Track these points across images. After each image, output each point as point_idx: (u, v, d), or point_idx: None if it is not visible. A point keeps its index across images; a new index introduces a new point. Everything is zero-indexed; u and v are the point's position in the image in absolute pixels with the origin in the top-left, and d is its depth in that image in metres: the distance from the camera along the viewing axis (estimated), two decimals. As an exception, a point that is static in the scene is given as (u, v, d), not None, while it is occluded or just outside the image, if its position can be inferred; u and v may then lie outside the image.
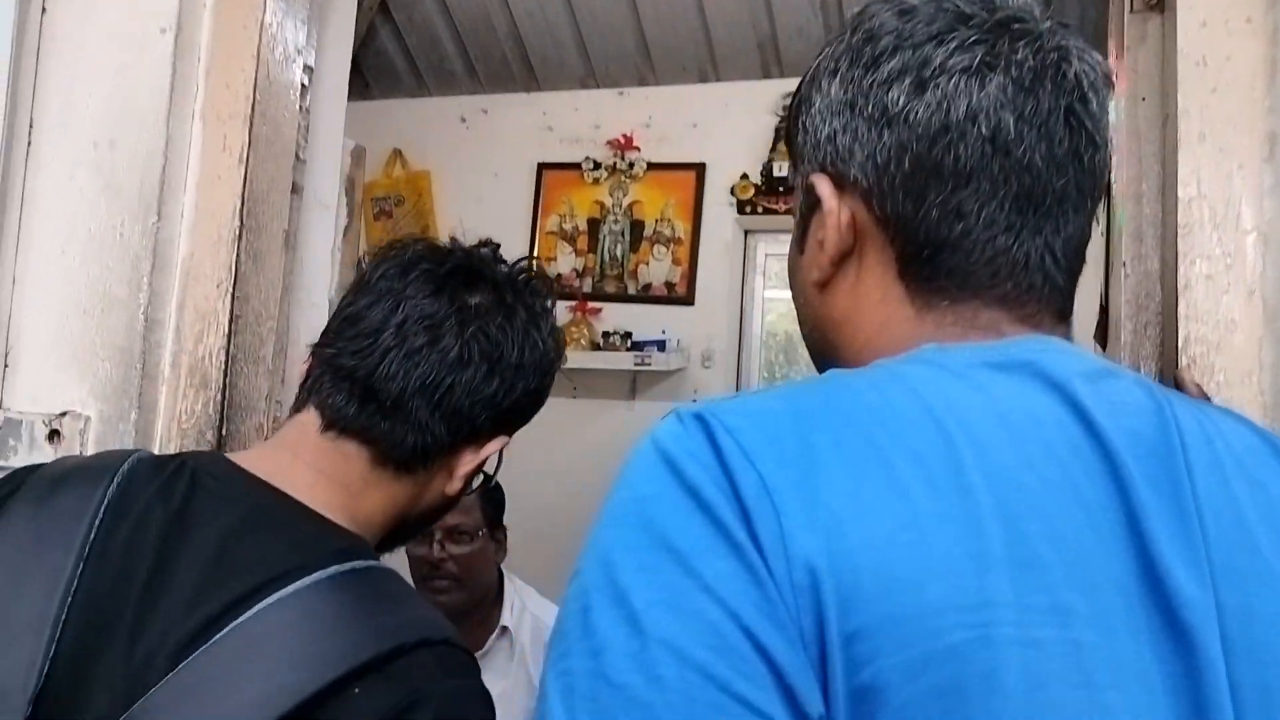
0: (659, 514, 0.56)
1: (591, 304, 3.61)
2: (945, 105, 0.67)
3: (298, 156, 1.36)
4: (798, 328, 0.85)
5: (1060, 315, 0.71)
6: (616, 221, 3.67)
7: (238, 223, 1.25)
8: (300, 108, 1.36)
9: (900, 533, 0.54)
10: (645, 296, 3.62)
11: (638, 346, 3.48)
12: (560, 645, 0.57)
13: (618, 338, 3.52)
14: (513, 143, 3.85)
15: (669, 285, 3.61)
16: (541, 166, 3.79)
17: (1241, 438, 0.67)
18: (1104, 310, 1.16)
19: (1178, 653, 0.56)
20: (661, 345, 3.48)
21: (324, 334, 1.05)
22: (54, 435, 1.25)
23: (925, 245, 0.69)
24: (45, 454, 1.22)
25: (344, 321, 1.04)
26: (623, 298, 3.62)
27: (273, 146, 1.30)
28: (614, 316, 3.60)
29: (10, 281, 1.29)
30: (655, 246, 3.63)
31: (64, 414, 1.25)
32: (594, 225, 3.69)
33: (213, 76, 1.28)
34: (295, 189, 1.35)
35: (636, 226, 3.67)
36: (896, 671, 0.51)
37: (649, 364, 3.40)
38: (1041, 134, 0.67)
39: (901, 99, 0.69)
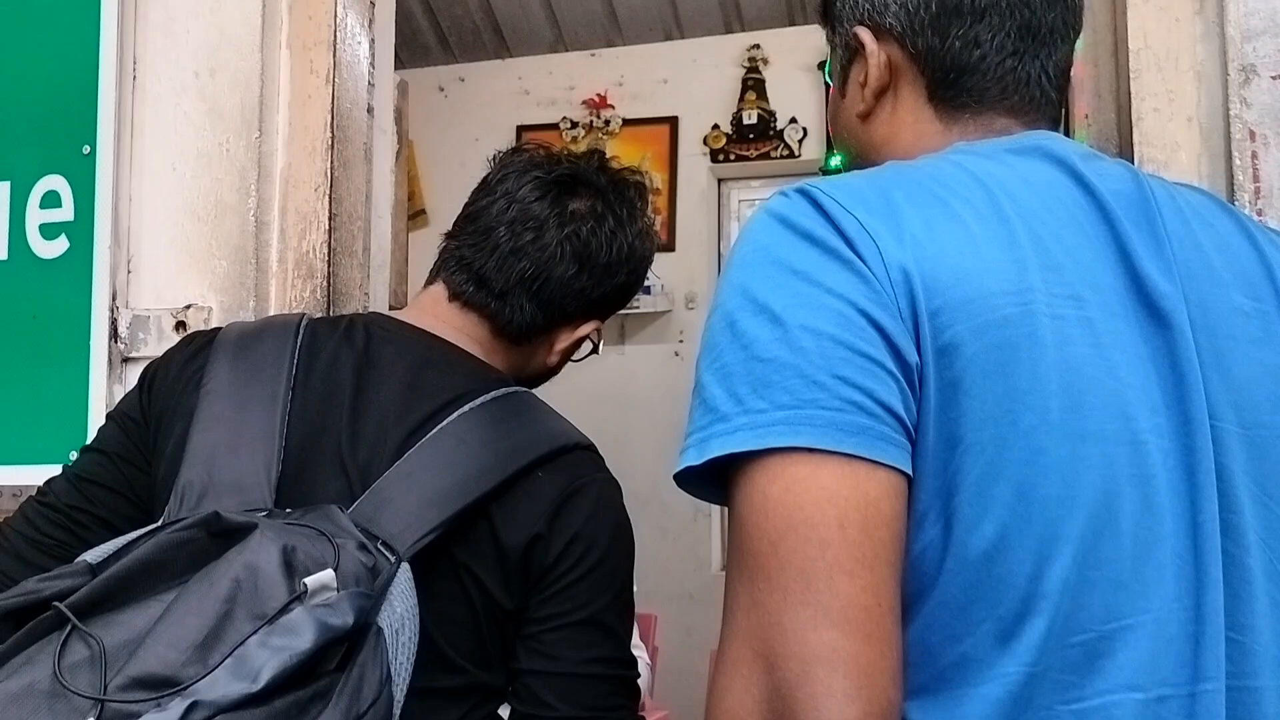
0: (781, 252, 0.75)
1: (577, 255, 3.81)
2: None
3: (369, 81, 1.55)
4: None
5: (1054, 122, 0.94)
6: (596, 176, 3.87)
7: (329, 135, 1.45)
8: (369, 38, 1.55)
9: (962, 246, 0.75)
10: (627, 246, 3.82)
11: (624, 292, 3.69)
12: (710, 353, 0.75)
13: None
14: (491, 108, 4.04)
15: (649, 233, 3.82)
16: (520, 129, 3.98)
17: (1197, 197, 0.90)
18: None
19: (1159, 331, 0.77)
20: (647, 290, 3.69)
21: (454, 225, 1.25)
22: (180, 326, 1.44)
23: (951, 70, 0.91)
24: (174, 342, 1.41)
25: (467, 218, 1.24)
26: (607, 248, 3.82)
27: (353, 70, 1.50)
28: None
29: (128, 199, 1.48)
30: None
31: (188, 307, 1.44)
32: (575, 181, 3.89)
33: (296, 9, 1.47)
34: (369, 110, 1.55)
35: (615, 180, 3.87)
36: (968, 334, 0.71)
37: (637, 306, 3.62)
38: None
39: None
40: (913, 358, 0.72)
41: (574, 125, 3.92)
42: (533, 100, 4.01)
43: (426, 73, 4.18)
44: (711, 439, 0.72)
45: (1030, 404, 0.72)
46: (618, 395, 3.70)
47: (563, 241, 1.20)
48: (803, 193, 0.78)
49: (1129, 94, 1.18)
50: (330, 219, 1.45)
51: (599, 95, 3.90)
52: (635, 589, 2.64)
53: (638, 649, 2.42)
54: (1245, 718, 0.74)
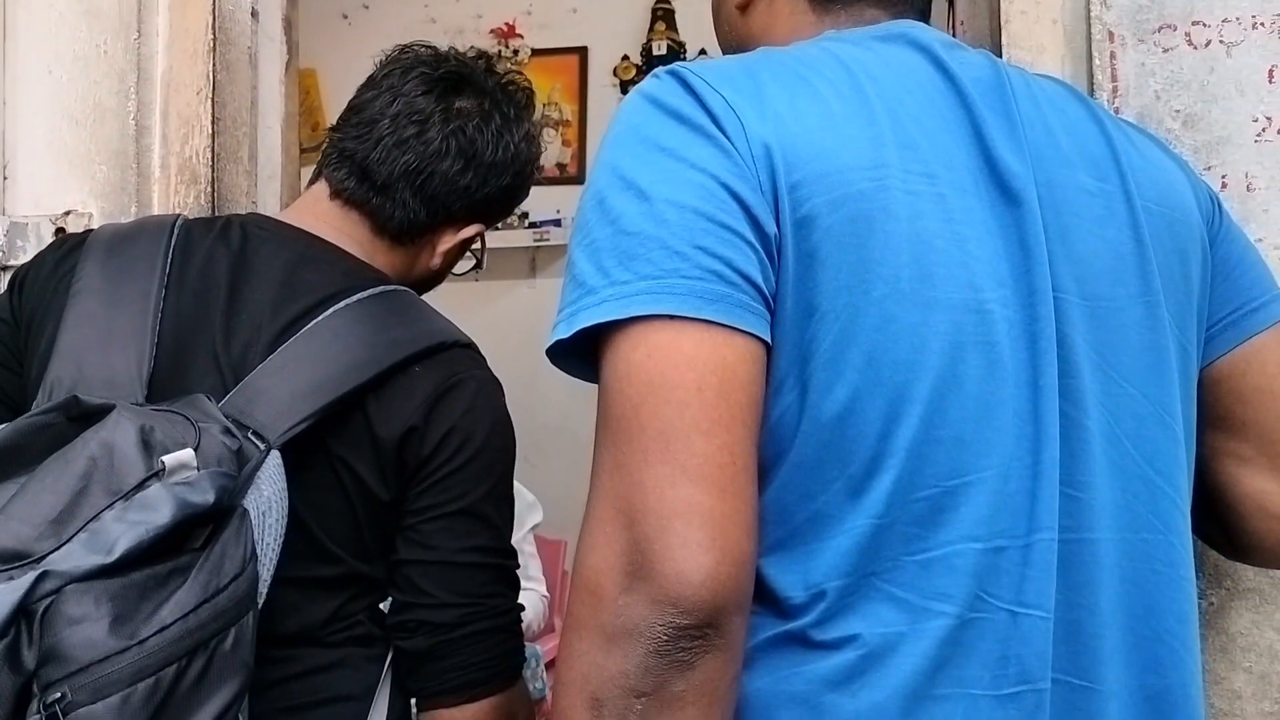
0: (649, 130, 0.77)
1: (487, 187, 3.78)
2: None
3: (253, -17, 1.52)
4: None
5: (921, 15, 0.97)
6: (505, 107, 3.84)
7: (210, 37, 1.42)
8: (251, -61, 1.52)
9: (822, 122, 0.78)
10: (538, 179, 3.80)
11: (535, 225, 3.68)
12: (581, 231, 0.78)
13: (515, 218, 3.71)
14: (397, 37, 3.88)
15: (560, 166, 3.81)
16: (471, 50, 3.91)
17: (1052, 85, 0.95)
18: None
19: (1009, 208, 0.81)
20: (558, 223, 3.69)
21: (338, 120, 1.24)
22: (59, 233, 1.41)
23: None
24: (53, 250, 1.38)
25: (350, 110, 1.24)
26: (517, 179, 3.80)
27: (234, -30, 1.47)
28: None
29: (1, 104, 1.44)
30: (544, 130, 3.82)
31: (68, 213, 1.41)
32: (484, 112, 3.85)
33: (175, -93, 1.44)
34: (254, 14, 1.52)
35: (525, 111, 3.84)
36: (824, 207, 0.75)
37: (548, 239, 3.61)
38: None
39: None
40: (771, 229, 0.75)
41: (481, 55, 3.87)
42: (439, 29, 3.93)
43: (330, 0, 4.07)
44: (579, 312, 0.75)
45: (882, 274, 0.75)
46: (530, 329, 3.67)
47: (448, 137, 1.20)
48: (673, 74, 0.81)
49: (999, -3, 1.22)
50: (213, 123, 1.43)
51: (507, 24, 3.85)
52: (543, 518, 2.66)
53: (534, 581, 2.45)
54: (1081, 566, 0.79)
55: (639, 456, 0.70)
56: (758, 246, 0.74)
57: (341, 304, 1.08)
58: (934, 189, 0.79)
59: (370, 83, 1.25)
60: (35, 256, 1.16)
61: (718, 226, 0.73)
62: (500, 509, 1.11)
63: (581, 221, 0.78)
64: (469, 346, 1.15)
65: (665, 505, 0.69)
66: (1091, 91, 1.17)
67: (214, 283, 1.10)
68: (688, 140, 0.76)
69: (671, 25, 3.71)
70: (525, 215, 3.70)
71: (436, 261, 1.29)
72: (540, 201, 3.73)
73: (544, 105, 3.82)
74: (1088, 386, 0.81)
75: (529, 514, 2.53)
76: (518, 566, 1.13)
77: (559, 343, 0.76)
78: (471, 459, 1.08)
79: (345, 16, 4.05)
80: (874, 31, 0.89)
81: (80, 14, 1.42)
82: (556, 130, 3.82)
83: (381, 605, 1.12)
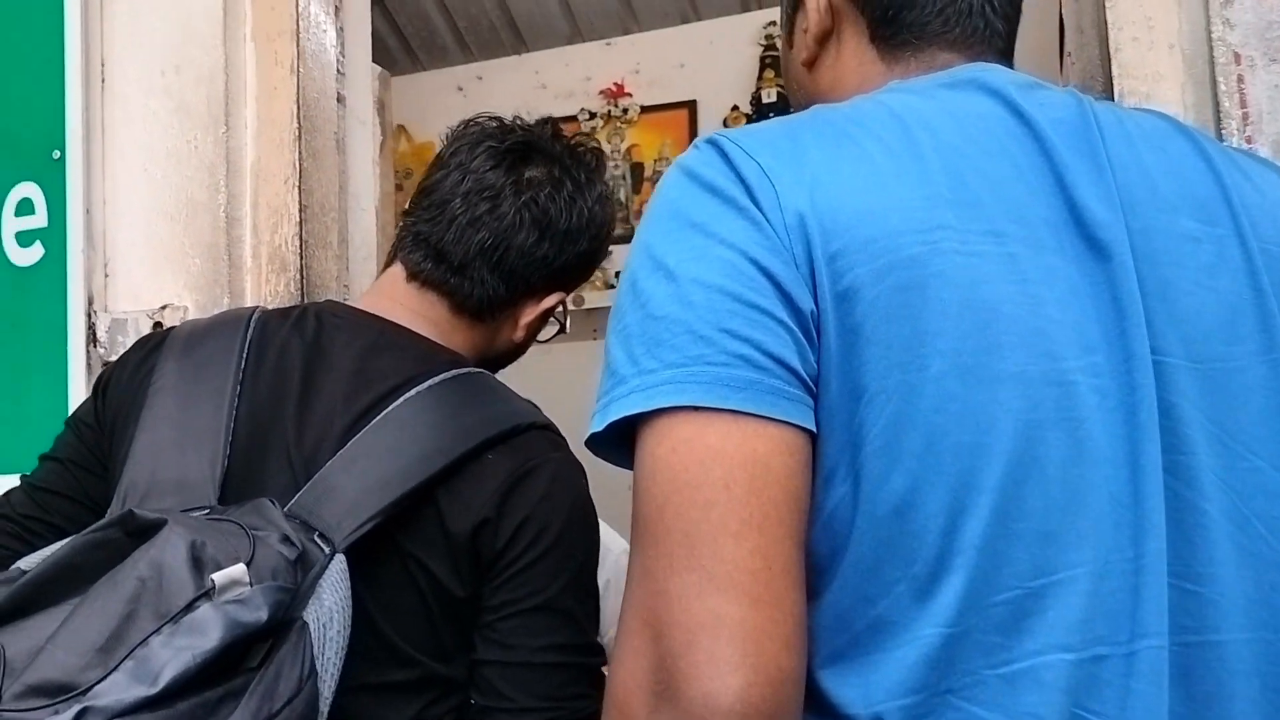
0: (682, 205, 0.72)
1: (602, 247, 3.78)
2: None
3: (339, 70, 1.53)
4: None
5: (1002, 54, 0.88)
6: (617, 166, 3.83)
7: (296, 126, 1.43)
8: (336, 27, 1.53)
9: (866, 183, 0.70)
10: (652, 234, 3.79)
11: (650, 281, 3.65)
12: (616, 316, 0.73)
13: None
14: (509, 104, 3.97)
15: (674, 221, 3.77)
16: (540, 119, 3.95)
17: (1150, 120, 0.84)
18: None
19: (1098, 263, 0.71)
20: (672, 277, 3.64)
21: (409, 203, 1.22)
22: (157, 326, 1.43)
23: (889, 7, 0.86)
24: (152, 344, 1.40)
25: (422, 193, 1.21)
26: (630, 238, 3.78)
27: (318, 59, 1.48)
28: (625, 257, 3.76)
29: (102, 203, 1.47)
30: (657, 185, 3.80)
31: (164, 307, 1.43)
32: (596, 172, 3.86)
33: (258, 1, 1.45)
34: (340, 99, 1.53)
35: (636, 169, 3.83)
36: (869, 277, 0.67)
37: (663, 295, 3.57)
38: None
39: None
40: (808, 305, 0.68)
41: (592, 116, 3.88)
42: (550, 94, 3.98)
43: (445, 74, 4.17)
44: (611, 403, 0.69)
45: (939, 347, 0.67)
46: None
47: (521, 209, 1.17)
48: (711, 142, 0.75)
49: (1106, 24, 1.11)
50: (301, 211, 1.43)
51: (616, 84, 3.86)
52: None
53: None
54: (1206, 675, 0.67)
55: (664, 562, 0.64)
56: (792, 325, 0.67)
57: (413, 391, 1.04)
58: (1002, 248, 0.70)
59: (439, 161, 1.22)
60: (119, 358, 1.16)
61: (745, 306, 0.67)
62: (582, 602, 1.04)
63: (617, 306, 0.73)
64: (546, 427, 1.09)
65: (691, 617, 0.62)
66: (1218, 120, 1.05)
67: (288, 374, 1.08)
68: (718, 214, 0.70)
69: (780, 73, 3.66)
70: (641, 272, 3.68)
71: (519, 334, 1.25)
72: (656, 258, 3.70)
73: (654, 161, 3.81)
74: (1204, 462, 0.70)
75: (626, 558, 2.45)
76: (604, 662, 1.06)
77: (595, 435, 0.70)
78: (548, 550, 1.02)
79: (460, 89, 4.14)
80: (941, 79, 0.81)
81: (171, 111, 1.45)
82: (669, 185, 3.79)
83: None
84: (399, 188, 4.15)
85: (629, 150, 3.85)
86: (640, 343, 0.68)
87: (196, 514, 0.95)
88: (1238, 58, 1.05)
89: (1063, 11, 1.27)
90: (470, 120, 1.26)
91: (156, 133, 1.45)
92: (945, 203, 0.70)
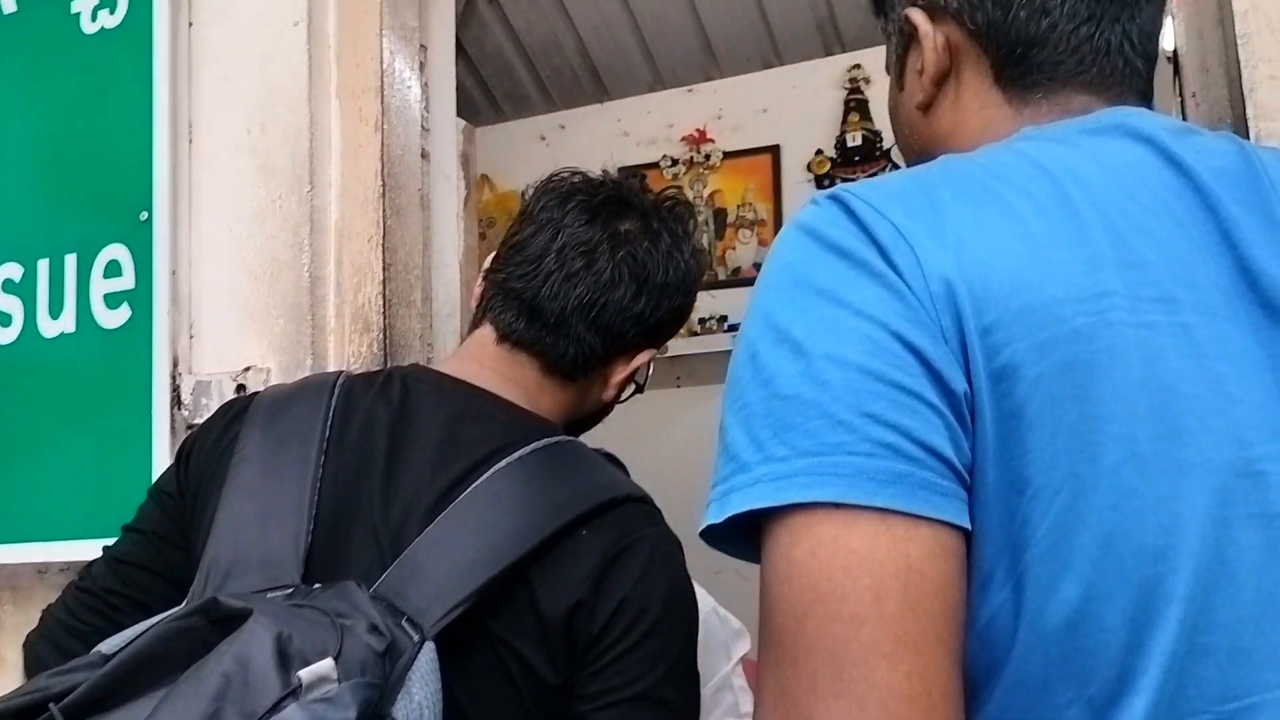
0: (806, 270, 0.65)
1: (685, 294, 3.74)
2: None
3: (423, 126, 1.51)
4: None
5: (1143, 96, 0.80)
6: (700, 212, 3.79)
7: (380, 183, 1.41)
8: (420, 83, 1.51)
9: (1019, 246, 0.62)
10: (736, 280, 3.73)
11: (735, 328, 3.59)
12: (733, 391, 0.65)
13: (714, 322, 3.63)
14: (592, 152, 4.00)
15: (758, 266, 3.71)
16: (622, 171, 3.94)
17: None
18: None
19: (1277, 332, 0.64)
20: (757, 325, 3.58)
21: (494, 259, 1.19)
22: (240, 389, 1.41)
23: (1017, 44, 0.78)
24: (235, 406, 1.38)
25: (511, 249, 1.17)
26: (714, 285, 3.72)
27: (403, 115, 1.45)
28: (708, 304, 3.71)
29: (188, 263, 1.46)
30: (740, 231, 3.75)
31: (247, 369, 1.41)
32: (679, 219, 3.82)
33: (344, 58, 1.44)
34: (424, 155, 1.50)
35: (719, 215, 3.78)
36: (1029, 353, 0.59)
37: (746, 343, 3.50)
38: None
39: None
40: (960, 385, 0.60)
41: (674, 163, 3.86)
42: (632, 141, 3.97)
43: (528, 123, 4.19)
44: (732, 493, 0.62)
45: (1113, 434, 0.59)
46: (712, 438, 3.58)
47: (619, 264, 1.12)
48: (834, 199, 0.67)
49: (1238, 63, 1.03)
50: (384, 269, 1.40)
51: (698, 130, 3.83)
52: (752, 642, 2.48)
53: (744, 692, 2.27)
54: None
55: (806, 684, 0.56)
56: (944, 409, 0.59)
57: (502, 463, 1.00)
58: (1174, 318, 0.62)
59: (527, 217, 1.18)
60: (202, 425, 1.14)
61: (890, 387, 0.59)
62: (683, 689, 0.98)
63: (733, 379, 0.66)
64: (641, 500, 1.04)
65: None
66: (1372, 165, 0.96)
67: (374, 444, 1.04)
68: (851, 280, 0.63)
69: (866, 115, 3.59)
70: (724, 318, 3.62)
71: (610, 394, 1.20)
72: (739, 303, 3.64)
73: (738, 206, 3.76)
74: None
75: (736, 643, 2.36)
76: None
77: (712, 527, 0.63)
78: (647, 635, 0.96)
79: (543, 138, 4.14)
80: (1082, 124, 0.73)
81: (256, 170, 1.44)
82: (752, 230, 3.74)
83: None
84: (482, 236, 4.16)
85: (712, 196, 3.80)
86: (765, 425, 0.61)
87: (280, 594, 0.91)
88: (1392, 96, 0.96)
89: (1177, 49, 1.19)
90: (554, 175, 1.22)
91: (242, 192, 1.44)
92: (1110, 265, 0.62)
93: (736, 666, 2.38)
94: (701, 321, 3.66)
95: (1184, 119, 1.19)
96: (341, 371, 1.15)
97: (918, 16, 0.83)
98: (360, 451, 1.04)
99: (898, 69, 0.89)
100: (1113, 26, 0.78)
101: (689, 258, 1.19)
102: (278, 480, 1.02)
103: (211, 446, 1.10)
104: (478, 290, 1.21)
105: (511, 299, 1.14)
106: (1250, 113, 1.01)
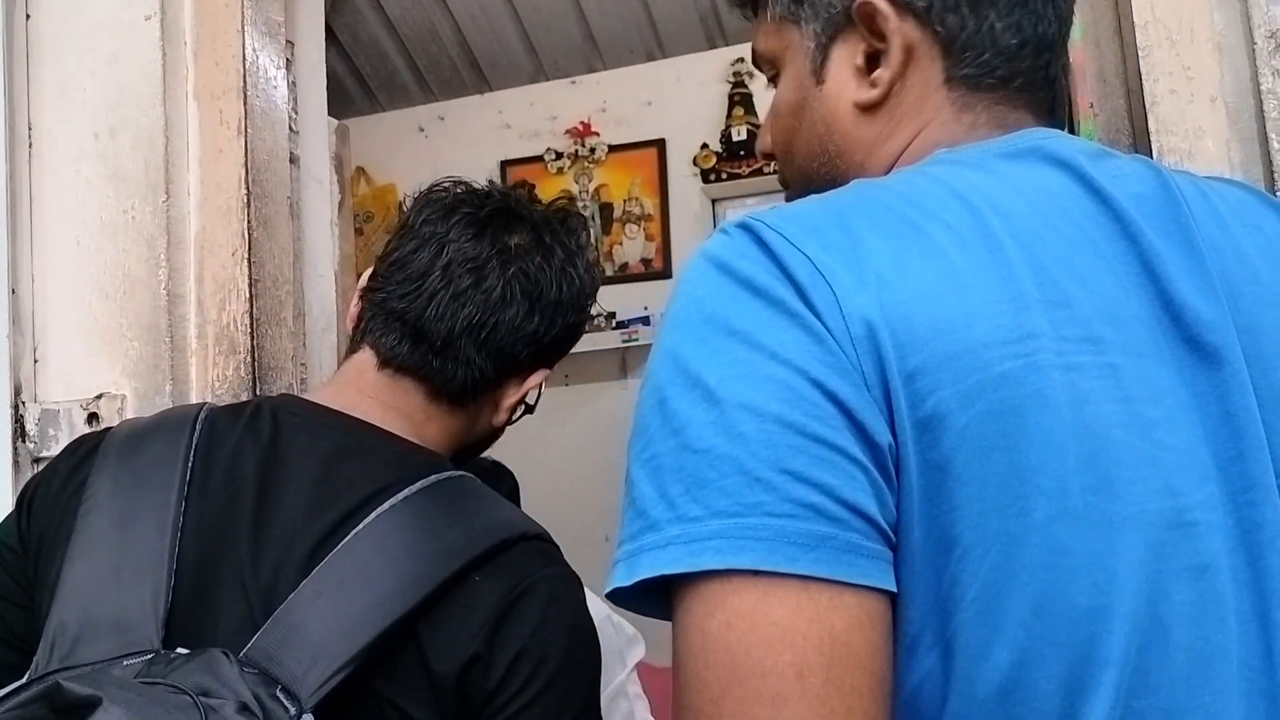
0: (717, 307, 0.60)
1: (572, 290, 3.67)
2: None
3: (291, 128, 1.40)
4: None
5: (1055, 105, 0.78)
6: (585, 206, 3.73)
7: (244, 191, 1.30)
8: (288, 81, 1.40)
9: (942, 284, 0.58)
10: (624, 276, 3.68)
11: (623, 325, 3.54)
12: (640, 439, 0.60)
13: (602, 319, 3.57)
14: (473, 145, 3.90)
15: (645, 262, 3.67)
16: (505, 164, 3.85)
17: (1233, 193, 0.73)
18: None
19: (1203, 369, 0.61)
20: (646, 320, 3.53)
21: (371, 278, 1.10)
22: (92, 418, 1.29)
23: (982, 53, 0.74)
24: (87, 437, 1.26)
25: (391, 266, 1.08)
26: (602, 280, 3.67)
27: (268, 117, 1.35)
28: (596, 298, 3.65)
29: (30, 279, 1.33)
30: (627, 226, 3.69)
31: (99, 396, 1.29)
32: (564, 214, 3.75)
33: (201, 56, 1.33)
34: (293, 159, 1.40)
35: (606, 209, 3.73)
36: (955, 400, 0.56)
37: (636, 339, 3.46)
38: None
39: None
40: (885, 437, 0.56)
41: (559, 156, 3.78)
42: (515, 134, 3.87)
43: (406, 114, 4.05)
44: (641, 553, 0.56)
45: (1043, 486, 0.55)
46: (624, 431, 3.52)
47: (509, 281, 1.05)
48: (745, 228, 0.62)
49: (1139, 74, 1.01)
50: (251, 285, 1.30)
51: (582, 123, 3.76)
52: (648, 646, 2.43)
53: (640, 699, 2.22)
54: None
55: None
56: (867, 463, 0.55)
57: (385, 505, 0.91)
58: (1101, 358, 0.59)
59: (407, 231, 1.09)
60: (46, 467, 1.02)
61: (810, 440, 0.55)
62: None
63: (641, 426, 0.60)
64: (537, 537, 0.97)
65: None
66: (1271, 181, 0.95)
67: (241, 486, 0.95)
68: (766, 320, 0.58)
69: (750, 110, 3.57)
70: (612, 315, 3.57)
71: (501, 418, 1.14)
72: (627, 299, 3.59)
73: (625, 201, 3.71)
74: None
75: (630, 650, 2.31)
76: None
77: (619, 588, 0.57)
78: (548, 686, 0.89)
79: (421, 129, 4.02)
80: (999, 148, 0.70)
81: (106, 178, 1.31)
82: (639, 225, 3.69)
83: None
84: (359, 232, 4.01)
85: (597, 190, 3.74)
86: (676, 480, 0.56)
87: (138, 662, 0.82)
88: (1290, 112, 0.95)
89: (1071, 58, 1.17)
90: (435, 185, 1.14)
91: (90, 202, 1.31)
92: (1035, 304, 0.59)
93: (632, 674, 2.33)
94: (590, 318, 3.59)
95: (1080, 129, 1.17)
96: (204, 404, 1.05)
97: (885, 7, 0.75)
98: (226, 495, 0.95)
99: (817, 60, 0.79)
100: (1057, 60, 0.76)
101: (583, 272, 1.13)
102: (133, 530, 0.92)
103: (57, 492, 0.99)
104: (354, 310, 1.13)
105: (393, 320, 1.06)
106: (1152, 126, 0.99)
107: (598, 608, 2.14)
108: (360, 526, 0.90)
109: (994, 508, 0.55)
